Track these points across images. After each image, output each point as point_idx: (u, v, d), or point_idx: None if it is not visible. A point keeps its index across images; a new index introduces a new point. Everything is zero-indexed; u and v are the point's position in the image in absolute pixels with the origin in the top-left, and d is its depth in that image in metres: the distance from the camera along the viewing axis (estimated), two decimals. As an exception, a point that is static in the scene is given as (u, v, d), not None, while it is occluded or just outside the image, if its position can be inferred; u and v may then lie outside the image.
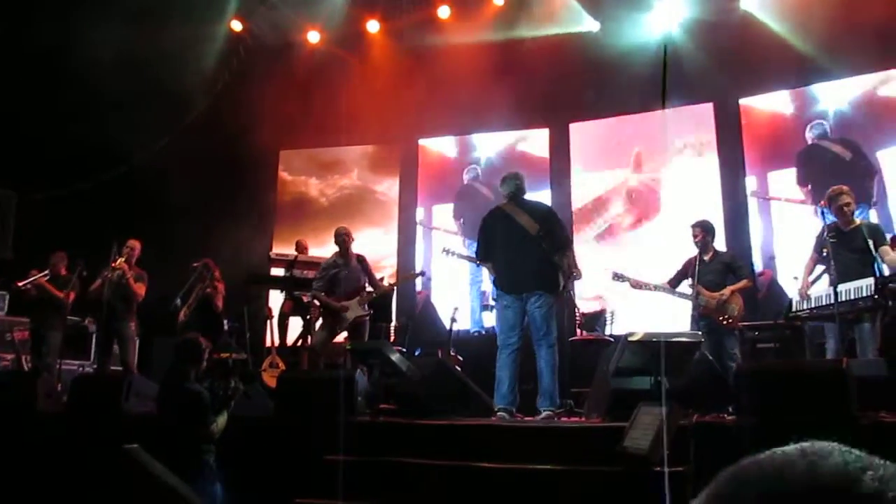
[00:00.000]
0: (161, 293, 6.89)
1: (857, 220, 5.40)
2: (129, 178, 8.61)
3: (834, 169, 7.77)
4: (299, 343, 7.42)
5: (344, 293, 6.55)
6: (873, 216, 7.33)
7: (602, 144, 9.17)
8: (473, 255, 5.88)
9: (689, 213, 7.13)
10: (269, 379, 6.68)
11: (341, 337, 6.78)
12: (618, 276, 6.42)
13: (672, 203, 8.57)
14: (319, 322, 6.79)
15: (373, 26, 9.66)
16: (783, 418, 3.65)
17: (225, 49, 9.72)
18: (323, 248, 9.34)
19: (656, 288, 6.41)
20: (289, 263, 7.22)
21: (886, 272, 5.10)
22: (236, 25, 9.72)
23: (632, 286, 6.20)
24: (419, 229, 9.66)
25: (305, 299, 7.32)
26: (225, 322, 6.99)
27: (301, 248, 8.10)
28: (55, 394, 5.70)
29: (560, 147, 9.22)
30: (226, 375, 4.24)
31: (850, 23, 7.22)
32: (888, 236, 5.41)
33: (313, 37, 9.83)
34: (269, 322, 7.50)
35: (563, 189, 9.09)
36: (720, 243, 7.27)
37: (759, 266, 8.00)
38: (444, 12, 9.33)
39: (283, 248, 8.87)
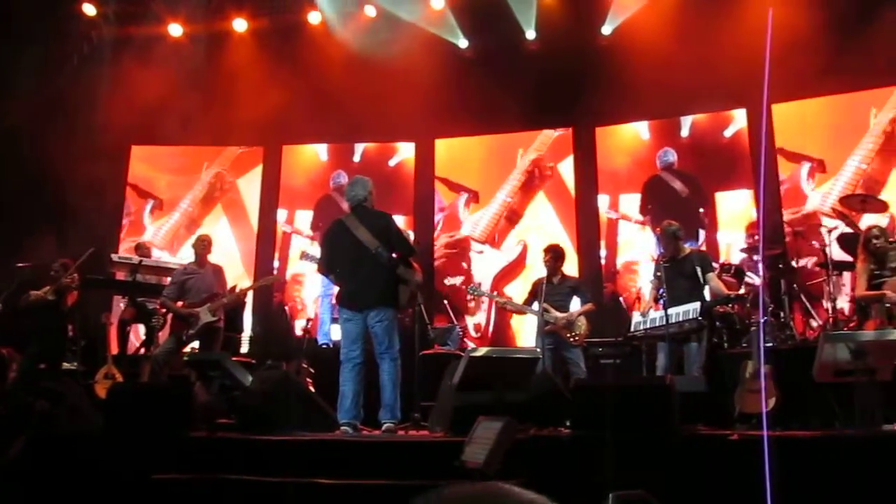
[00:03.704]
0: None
1: (688, 249, 5.85)
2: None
3: (671, 203, 8.42)
4: (141, 352, 7.00)
5: (195, 301, 6.30)
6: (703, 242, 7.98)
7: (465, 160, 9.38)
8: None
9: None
10: (103, 391, 6.23)
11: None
12: (473, 289, 6.68)
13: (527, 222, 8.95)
14: (166, 331, 6.48)
15: (240, 25, 9.35)
16: (614, 431, 3.84)
17: (75, 32, 9.08)
18: (175, 252, 8.92)
19: (507, 304, 6.67)
20: (132, 268, 6.79)
21: (710, 297, 5.56)
22: (89, 9, 9.10)
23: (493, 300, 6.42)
24: (279, 233, 9.42)
25: (151, 306, 6.93)
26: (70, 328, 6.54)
27: (143, 251, 7.66)
28: None
29: (425, 162, 9.32)
30: (34, 394, 3.87)
31: (702, 62, 7.77)
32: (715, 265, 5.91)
33: (175, 30, 9.37)
34: (107, 330, 7.01)
35: (425, 204, 9.20)
36: (573, 261, 7.67)
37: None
38: (314, 18, 9.19)
39: (132, 250, 8.35)
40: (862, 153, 7.72)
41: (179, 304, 6.33)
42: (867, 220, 6.64)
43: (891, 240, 5.24)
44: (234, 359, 5.88)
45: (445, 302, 8.63)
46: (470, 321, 8.67)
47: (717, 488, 3.66)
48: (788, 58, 6.75)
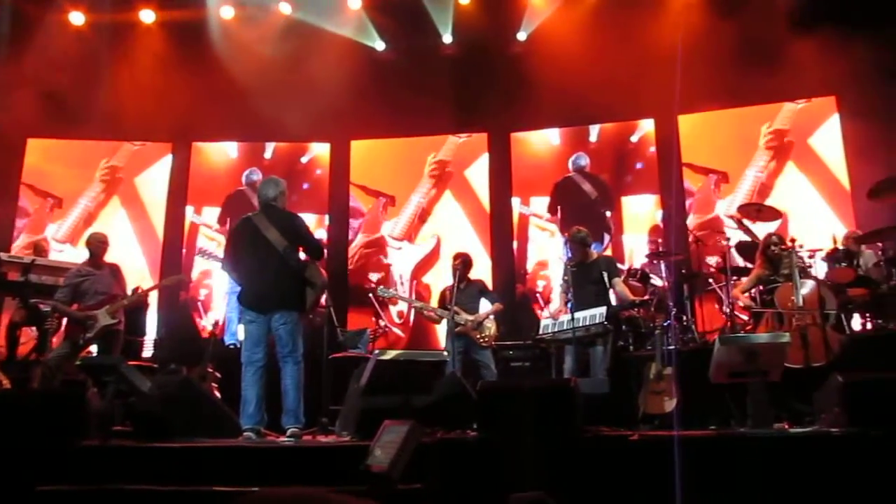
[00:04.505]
0: None
1: (596, 254, 6.03)
2: None
3: (580, 204, 8.66)
4: (32, 357, 6.60)
5: (92, 303, 5.99)
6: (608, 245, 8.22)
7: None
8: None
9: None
10: (-14, 398, 5.82)
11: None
12: (384, 291, 6.69)
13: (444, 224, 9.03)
14: (61, 334, 6.13)
15: (147, 16, 8.97)
16: (519, 433, 3.87)
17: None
18: (77, 244, 8.48)
19: (420, 308, 6.71)
20: (24, 267, 6.40)
21: (616, 302, 5.72)
22: (-19, -6, 8.54)
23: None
24: (187, 230, 9.10)
25: (44, 308, 6.54)
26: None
27: (40, 250, 7.24)
28: None
29: (340, 163, 9.22)
30: None
31: (612, 74, 7.98)
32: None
33: (76, 18, 8.90)
34: (-6, 332, 6.58)
35: (341, 205, 9.10)
36: (485, 262, 7.72)
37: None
38: (227, 12, 8.92)
39: (26, 250, 7.88)
40: (759, 164, 8.25)
41: (74, 306, 6.00)
42: (763, 227, 7.02)
43: (782, 247, 5.53)
44: (135, 363, 5.63)
45: (371, 295, 8.62)
46: (394, 310, 8.75)
47: (618, 489, 3.75)
48: (693, 73, 7.06)
